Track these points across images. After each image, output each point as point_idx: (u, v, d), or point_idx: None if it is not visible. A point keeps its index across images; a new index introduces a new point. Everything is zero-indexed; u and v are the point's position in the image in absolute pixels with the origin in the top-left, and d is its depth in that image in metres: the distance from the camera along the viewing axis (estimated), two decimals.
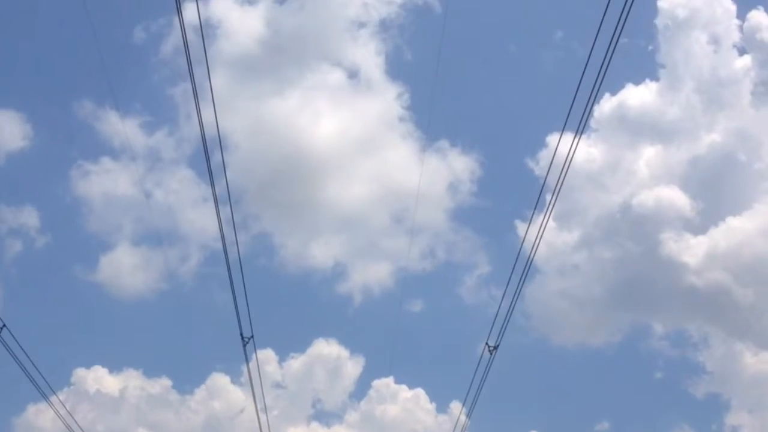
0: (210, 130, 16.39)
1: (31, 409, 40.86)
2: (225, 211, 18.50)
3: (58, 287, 46.70)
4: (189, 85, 15.37)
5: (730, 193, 43.21)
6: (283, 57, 48.65)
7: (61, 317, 45.12)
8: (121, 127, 44.92)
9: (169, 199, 47.40)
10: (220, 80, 43.52)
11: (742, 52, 44.83)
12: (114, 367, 42.84)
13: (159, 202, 46.85)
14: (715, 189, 43.57)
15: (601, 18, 13.41)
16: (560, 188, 16.27)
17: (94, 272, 46.13)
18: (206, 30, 41.11)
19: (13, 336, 19.75)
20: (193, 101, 15.70)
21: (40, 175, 48.87)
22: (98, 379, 42.34)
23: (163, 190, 47.35)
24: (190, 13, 14.99)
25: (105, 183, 47.02)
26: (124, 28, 47.70)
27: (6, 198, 46.59)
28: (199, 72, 15.19)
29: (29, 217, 45.58)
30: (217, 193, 17.80)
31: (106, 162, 47.10)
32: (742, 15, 44.81)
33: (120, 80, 45.95)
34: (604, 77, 14.02)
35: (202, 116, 15.95)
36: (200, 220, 45.35)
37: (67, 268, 46.54)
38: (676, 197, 43.16)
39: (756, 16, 44.23)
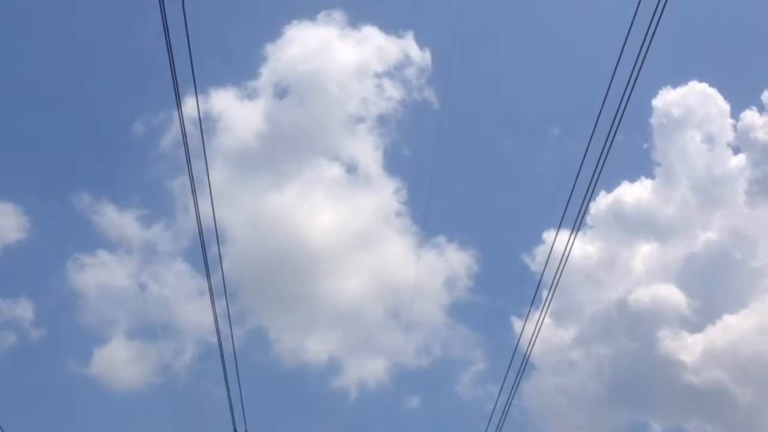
0: (207, 223, 16.45)
1: None
2: (221, 304, 18.48)
3: (51, 380, 46.17)
4: (187, 178, 15.50)
5: (727, 291, 43.15)
6: (281, 151, 49.07)
7: (54, 410, 44.51)
8: (118, 220, 45.03)
9: (164, 292, 47.18)
10: (218, 173, 43.75)
11: (736, 151, 45.31)
12: None
13: (154, 295, 46.61)
14: (711, 287, 43.51)
15: (596, 116, 13.59)
16: (557, 285, 16.30)
17: (88, 365, 45.66)
18: (206, 123, 41.42)
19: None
20: (191, 194, 15.79)
21: (36, 267, 48.73)
22: None
23: (158, 283, 47.16)
24: (190, 107, 15.18)
25: (101, 276, 46.86)
26: (124, 121, 48.18)
27: (1, 290, 46.43)
28: (197, 165, 15.31)
29: (24, 310, 45.34)
30: (213, 287, 17.78)
31: (103, 255, 47.03)
32: (735, 114, 45.41)
33: (119, 173, 46.24)
34: (600, 174, 14.18)
35: (200, 209, 16.03)
36: (196, 313, 45.06)
37: (61, 361, 46.09)
38: (672, 295, 43.11)
39: (749, 115, 44.79)
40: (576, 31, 51.28)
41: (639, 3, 13.10)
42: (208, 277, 17.39)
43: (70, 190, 48.91)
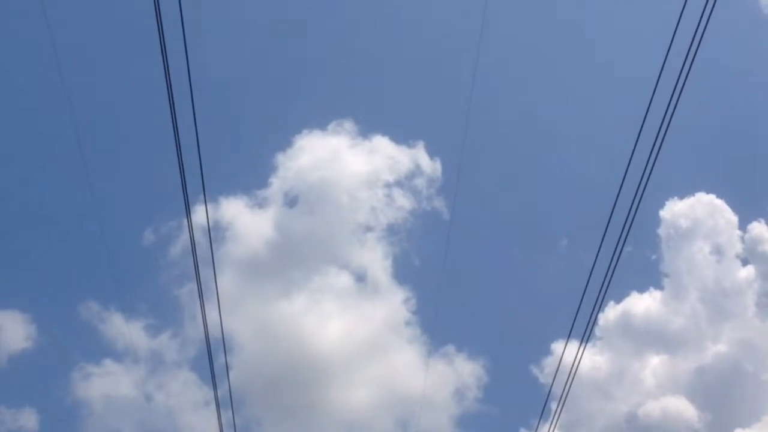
0: (215, 332, 16.38)
1: None
2: (227, 414, 18.26)
3: None
4: (195, 286, 15.50)
5: (738, 405, 42.54)
6: (290, 259, 49.13)
7: None
8: (126, 329, 44.86)
9: (170, 402, 46.63)
10: (227, 281, 43.73)
11: (744, 263, 45.24)
12: None
13: (160, 406, 46.10)
14: (722, 400, 42.94)
15: (605, 227, 13.62)
16: (566, 397, 16.11)
17: None
18: (215, 232, 41.58)
19: None
20: (199, 303, 15.77)
21: (41, 376, 48.35)
22: None
23: (164, 393, 46.67)
24: (200, 215, 15.26)
25: (106, 385, 46.39)
26: (135, 230, 48.43)
27: (6, 399, 45.94)
28: (206, 273, 15.31)
29: (28, 419, 44.76)
30: (219, 396, 17.61)
31: (109, 364, 46.65)
32: (743, 226, 45.51)
33: (127, 282, 46.25)
34: (608, 285, 14.15)
35: (208, 318, 15.99)
36: (201, 423, 44.49)
37: None
38: (683, 407, 42.50)
39: (757, 228, 44.89)
40: (584, 143, 51.89)
41: (646, 115, 13.25)
42: (215, 387, 17.27)
43: (78, 299, 48.84)
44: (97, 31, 46.86)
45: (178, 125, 13.82)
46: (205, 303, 15.64)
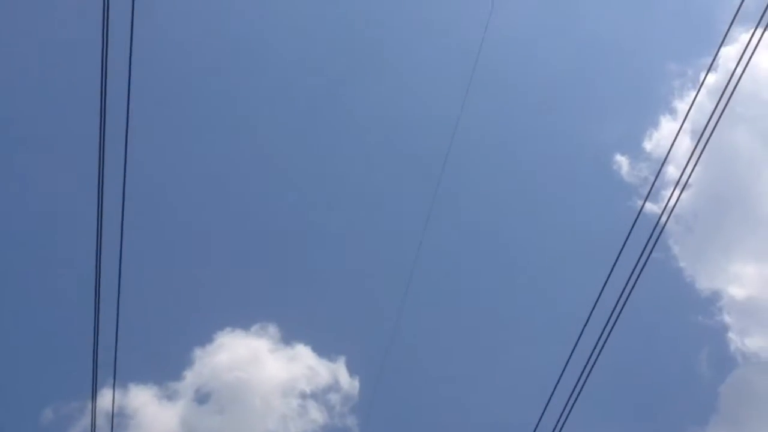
0: None
1: None
2: None
3: None
4: None
5: None
6: None
7: None
8: None
9: None
10: None
11: None
12: None
13: None
14: None
15: None
16: None
17: None
18: (119, 419, 40.30)
19: None
20: None
21: None
22: None
23: None
24: (105, 399, 14.78)
25: None
26: (33, 407, 46.74)
27: None
28: None
29: None
30: None
31: None
32: None
33: None
34: None
35: None
36: None
37: None
38: None
39: None
40: (501, 384, 51.95)
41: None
42: None
43: None
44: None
45: (100, 303, 13.63)
46: None
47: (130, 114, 12.58)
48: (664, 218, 13.11)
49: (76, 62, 39.79)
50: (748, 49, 11.85)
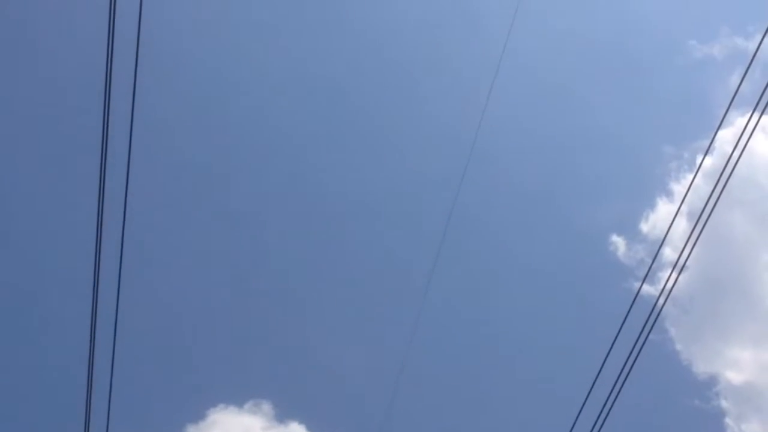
0: None
1: None
2: None
3: None
4: None
5: None
6: None
7: None
8: None
9: None
10: None
11: None
12: None
13: None
14: None
15: None
16: None
17: None
18: None
19: None
20: None
21: None
22: None
23: None
24: None
25: None
26: None
27: None
28: None
29: None
30: None
31: None
32: None
33: None
34: None
35: None
36: None
37: None
38: None
39: None
40: None
41: None
42: None
43: None
44: None
45: (93, 378, 13.58)
46: None
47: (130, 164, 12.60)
48: (661, 301, 13.09)
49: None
50: (744, 133, 11.96)
